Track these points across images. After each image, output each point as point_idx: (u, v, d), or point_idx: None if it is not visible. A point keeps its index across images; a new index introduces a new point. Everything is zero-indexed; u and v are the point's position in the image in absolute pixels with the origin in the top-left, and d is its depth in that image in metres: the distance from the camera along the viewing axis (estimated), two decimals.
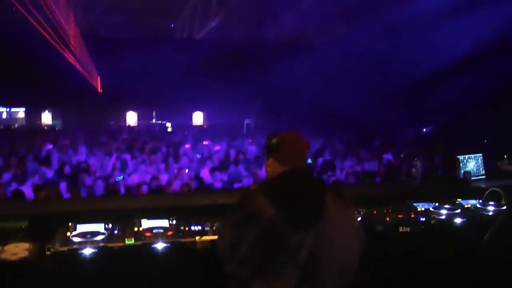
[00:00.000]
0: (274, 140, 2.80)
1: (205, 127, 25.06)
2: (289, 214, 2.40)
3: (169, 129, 24.26)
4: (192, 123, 25.13)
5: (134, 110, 24.43)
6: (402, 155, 12.74)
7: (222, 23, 20.06)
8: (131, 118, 24.75)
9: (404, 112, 15.83)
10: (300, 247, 2.39)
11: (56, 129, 22.79)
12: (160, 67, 19.00)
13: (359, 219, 4.28)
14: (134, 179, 9.84)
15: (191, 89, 19.43)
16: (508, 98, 12.88)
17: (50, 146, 13.34)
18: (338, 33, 19.11)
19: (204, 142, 15.15)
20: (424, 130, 19.81)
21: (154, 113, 27.19)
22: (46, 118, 24.66)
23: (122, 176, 9.51)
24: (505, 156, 8.46)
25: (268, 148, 2.84)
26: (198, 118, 25.58)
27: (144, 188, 8.57)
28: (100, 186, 8.83)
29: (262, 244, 2.38)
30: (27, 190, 7.96)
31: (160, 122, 27.00)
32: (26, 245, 3.50)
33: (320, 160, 12.19)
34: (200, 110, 25.19)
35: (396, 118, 15.61)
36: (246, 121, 24.74)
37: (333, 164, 11.41)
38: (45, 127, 23.30)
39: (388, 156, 12.36)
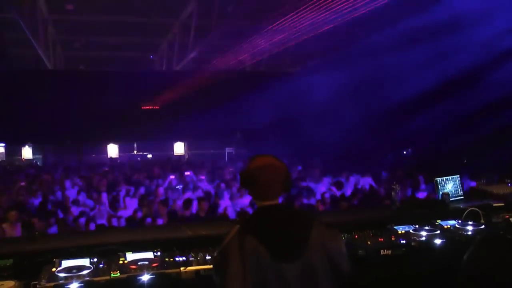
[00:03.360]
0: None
1: (186, 157, 25.01)
2: (274, 248, 2.48)
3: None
4: (173, 153, 25.06)
5: (115, 142, 24.28)
6: (382, 179, 12.88)
7: (201, 55, 20.26)
8: (112, 150, 24.59)
9: (384, 135, 15.97)
10: (288, 278, 2.47)
11: (37, 163, 22.63)
12: (140, 98, 19.12)
13: None
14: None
15: (171, 119, 19.42)
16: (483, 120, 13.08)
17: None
18: (316, 61, 19.38)
19: (186, 173, 15.08)
20: (405, 152, 19.98)
21: (135, 145, 27.11)
22: (27, 153, 24.40)
23: None
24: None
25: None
26: (179, 148, 25.50)
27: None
28: (84, 221, 8.80)
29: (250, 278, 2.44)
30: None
31: (141, 153, 26.94)
32: (11, 283, 3.50)
33: (300, 185, 12.21)
34: (181, 140, 25.13)
35: (376, 142, 15.76)
36: (228, 150, 24.79)
37: (311, 189, 11.41)
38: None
39: (368, 180, 12.46)
